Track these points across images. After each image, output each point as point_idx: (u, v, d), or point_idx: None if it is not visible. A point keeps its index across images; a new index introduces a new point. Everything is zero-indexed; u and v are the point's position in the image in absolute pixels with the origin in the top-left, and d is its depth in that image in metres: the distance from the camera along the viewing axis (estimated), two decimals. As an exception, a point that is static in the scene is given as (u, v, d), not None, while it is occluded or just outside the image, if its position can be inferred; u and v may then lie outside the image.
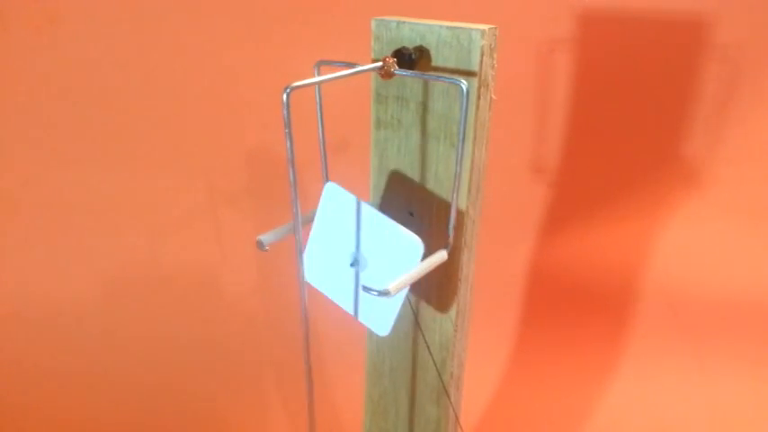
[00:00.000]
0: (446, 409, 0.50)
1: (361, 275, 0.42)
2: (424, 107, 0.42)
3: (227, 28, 0.83)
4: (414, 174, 0.45)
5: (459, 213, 0.43)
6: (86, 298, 0.94)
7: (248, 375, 0.94)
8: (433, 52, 0.40)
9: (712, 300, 0.86)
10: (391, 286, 0.35)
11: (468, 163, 0.41)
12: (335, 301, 0.45)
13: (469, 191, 0.42)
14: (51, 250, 0.94)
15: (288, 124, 0.33)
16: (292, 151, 0.34)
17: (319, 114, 0.43)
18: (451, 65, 0.40)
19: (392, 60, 0.39)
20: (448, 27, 0.39)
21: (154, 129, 0.87)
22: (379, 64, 0.38)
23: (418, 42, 0.41)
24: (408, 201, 0.46)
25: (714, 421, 0.84)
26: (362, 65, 0.42)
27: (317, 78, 0.35)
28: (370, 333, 0.52)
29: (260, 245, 0.42)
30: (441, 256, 0.39)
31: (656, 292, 0.88)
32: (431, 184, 0.44)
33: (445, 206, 0.44)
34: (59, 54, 0.81)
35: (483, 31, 0.38)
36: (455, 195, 0.40)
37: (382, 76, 0.39)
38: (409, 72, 0.39)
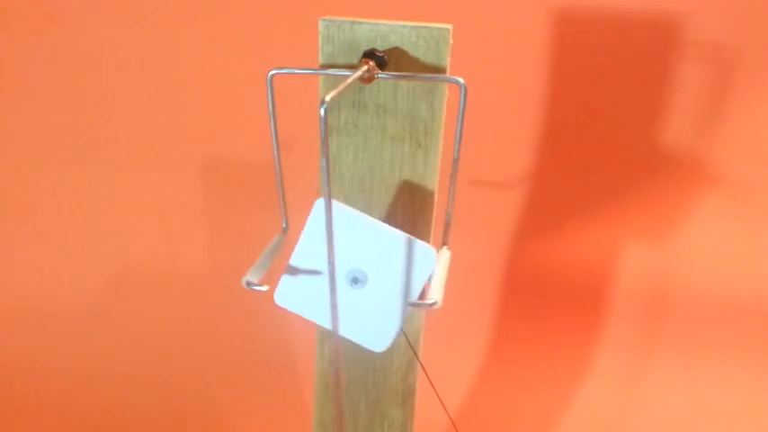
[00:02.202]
0: (412, 410, 0.50)
1: (362, 292, 0.39)
2: (385, 109, 0.41)
3: (226, 28, 0.80)
4: (373, 179, 0.43)
5: (432, 211, 0.43)
6: (85, 297, 0.95)
7: (247, 375, 0.94)
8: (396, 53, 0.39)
9: (699, 297, 0.89)
10: (438, 296, 0.34)
11: (439, 162, 0.41)
12: (318, 323, 0.41)
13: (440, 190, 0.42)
14: (50, 250, 0.94)
15: (324, 141, 0.30)
16: (328, 171, 0.31)
17: (273, 126, 0.39)
18: (417, 65, 0.39)
19: (373, 64, 0.37)
20: (412, 27, 0.39)
21: (154, 129, 0.84)
22: (365, 68, 0.36)
23: (378, 43, 0.39)
24: (368, 208, 0.44)
25: (698, 420, 0.88)
26: (315, 68, 0.39)
27: (342, 86, 0.31)
28: (322, 351, 0.49)
29: (250, 285, 0.36)
30: (447, 255, 0.39)
31: (643, 290, 0.89)
32: (395, 188, 0.43)
33: (411, 208, 0.43)
34: (59, 54, 0.79)
35: (449, 30, 0.39)
36: (450, 193, 0.40)
37: (364, 81, 0.37)
38: (403, 75, 0.37)
